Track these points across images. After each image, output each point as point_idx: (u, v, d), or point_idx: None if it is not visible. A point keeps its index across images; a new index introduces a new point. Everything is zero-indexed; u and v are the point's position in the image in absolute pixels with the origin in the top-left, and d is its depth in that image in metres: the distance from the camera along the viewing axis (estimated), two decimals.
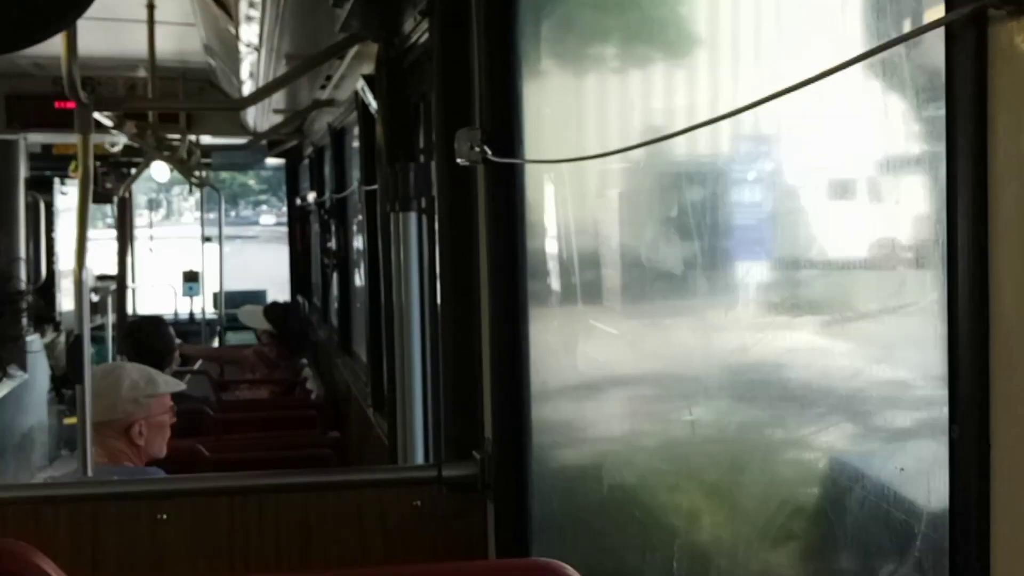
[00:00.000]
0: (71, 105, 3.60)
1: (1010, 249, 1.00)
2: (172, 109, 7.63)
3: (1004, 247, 1.01)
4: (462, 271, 2.83)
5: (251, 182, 34.77)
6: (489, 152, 2.56)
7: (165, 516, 2.59)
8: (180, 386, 4.42)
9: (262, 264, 18.04)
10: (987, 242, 1.02)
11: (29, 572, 1.21)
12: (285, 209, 13.77)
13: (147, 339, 7.06)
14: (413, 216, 3.76)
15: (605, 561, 2.31)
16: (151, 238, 20.36)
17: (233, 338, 11.90)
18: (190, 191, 16.97)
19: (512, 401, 2.64)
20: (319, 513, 2.66)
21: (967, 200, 1.02)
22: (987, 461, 1.03)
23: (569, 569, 1.30)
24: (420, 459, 3.83)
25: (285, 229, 12.98)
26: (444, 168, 2.83)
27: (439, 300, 3.00)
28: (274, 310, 9.03)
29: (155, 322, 7.86)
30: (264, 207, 38.49)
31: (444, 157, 2.77)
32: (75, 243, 3.74)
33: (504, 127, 2.58)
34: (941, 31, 1.03)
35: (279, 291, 12.81)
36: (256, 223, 35.00)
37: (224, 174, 12.77)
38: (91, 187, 3.69)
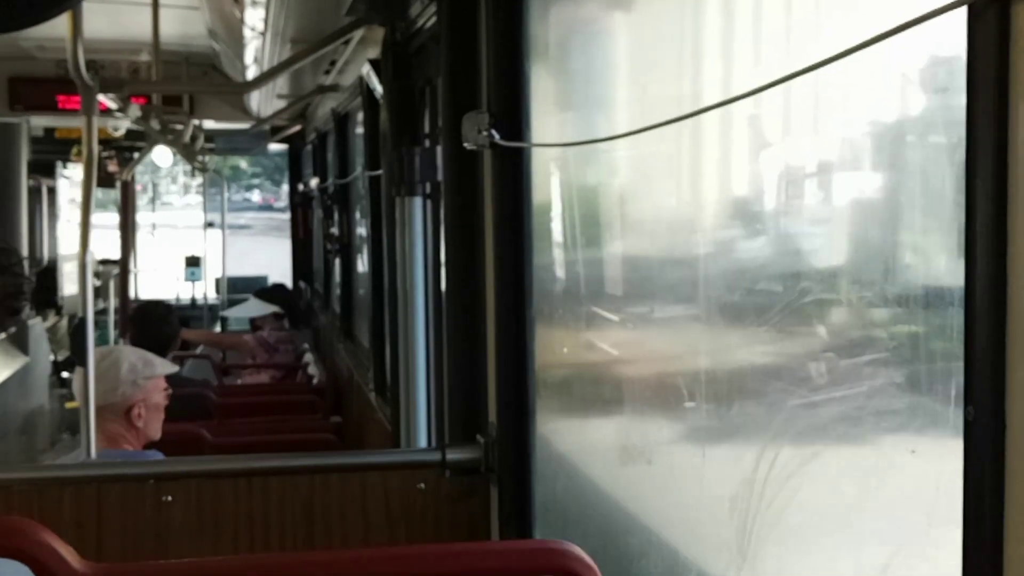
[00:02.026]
0: (75, 99, 3.58)
1: None
2: (176, 91, 7.61)
3: (1023, 229, 1.00)
4: (467, 256, 2.83)
5: (243, 164, 33.80)
6: (497, 136, 2.55)
7: (170, 498, 2.59)
8: (174, 368, 4.43)
9: (255, 259, 17.68)
10: (1006, 225, 1.01)
11: (36, 549, 1.21)
12: (282, 193, 13.72)
13: (154, 324, 7.07)
14: (418, 201, 3.76)
15: (608, 545, 2.31)
16: (153, 226, 20.27)
17: (235, 323, 11.89)
18: (192, 174, 16.94)
19: (516, 385, 2.65)
20: (323, 495, 2.67)
21: (986, 183, 1.02)
22: (1002, 442, 1.03)
23: (578, 550, 1.30)
24: (423, 443, 3.83)
25: (282, 216, 12.97)
26: (450, 152, 2.82)
27: (444, 284, 3.00)
28: (269, 292, 9.04)
29: (163, 307, 7.87)
30: (256, 192, 37.64)
31: (451, 141, 2.77)
32: (79, 227, 3.73)
33: (512, 111, 2.58)
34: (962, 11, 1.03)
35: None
36: (248, 209, 34.02)
37: (215, 157, 12.62)
38: (95, 171, 3.67)
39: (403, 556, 1.33)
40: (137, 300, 11.72)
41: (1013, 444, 1.02)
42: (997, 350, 1.03)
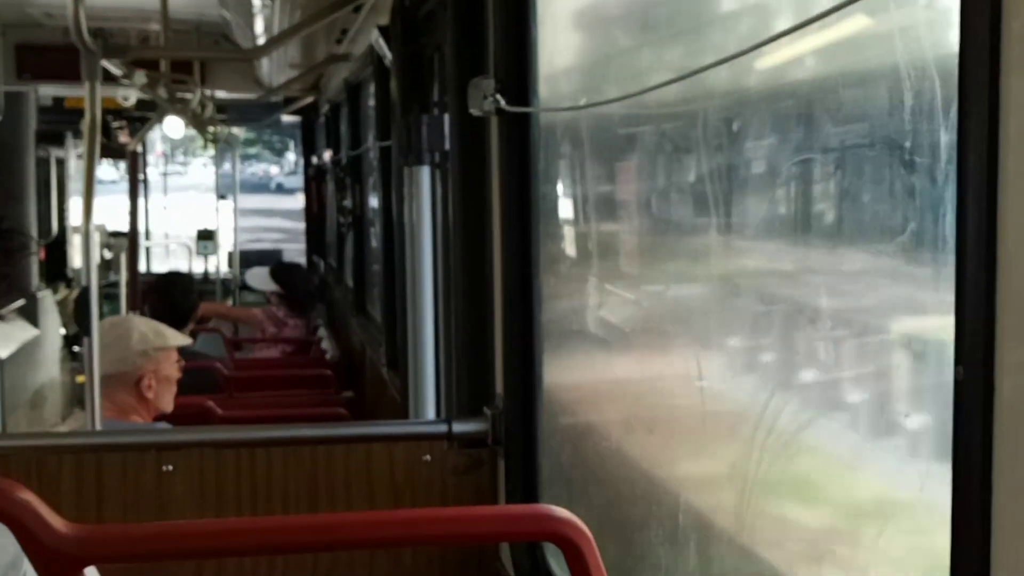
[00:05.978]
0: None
1: (1019, 196, 0.99)
2: (182, 57, 7.52)
3: (1014, 193, 0.99)
4: (474, 225, 2.79)
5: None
6: (503, 102, 2.51)
7: (171, 467, 2.57)
8: (187, 340, 4.40)
9: None
10: (996, 185, 1.00)
11: (15, 509, 1.17)
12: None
13: (174, 295, 7.05)
14: (426, 170, 3.71)
15: (613, 514, 2.29)
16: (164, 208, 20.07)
17: (249, 297, 11.86)
18: (204, 146, 16.90)
19: (523, 357, 2.62)
20: (328, 467, 2.64)
21: (979, 152, 1.01)
22: (991, 403, 1.03)
23: (573, 516, 1.27)
24: (431, 416, 3.80)
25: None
26: (457, 120, 2.78)
27: (451, 255, 2.96)
28: (281, 271, 8.99)
29: (184, 279, 7.84)
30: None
31: (458, 108, 2.73)
32: (82, 195, 3.69)
33: (518, 76, 2.54)
34: None
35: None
36: (193, 188, 27.95)
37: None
38: (98, 138, 3.63)
39: (396, 520, 1.29)
40: (149, 272, 11.70)
41: (1002, 404, 1.01)
42: (988, 310, 1.02)
